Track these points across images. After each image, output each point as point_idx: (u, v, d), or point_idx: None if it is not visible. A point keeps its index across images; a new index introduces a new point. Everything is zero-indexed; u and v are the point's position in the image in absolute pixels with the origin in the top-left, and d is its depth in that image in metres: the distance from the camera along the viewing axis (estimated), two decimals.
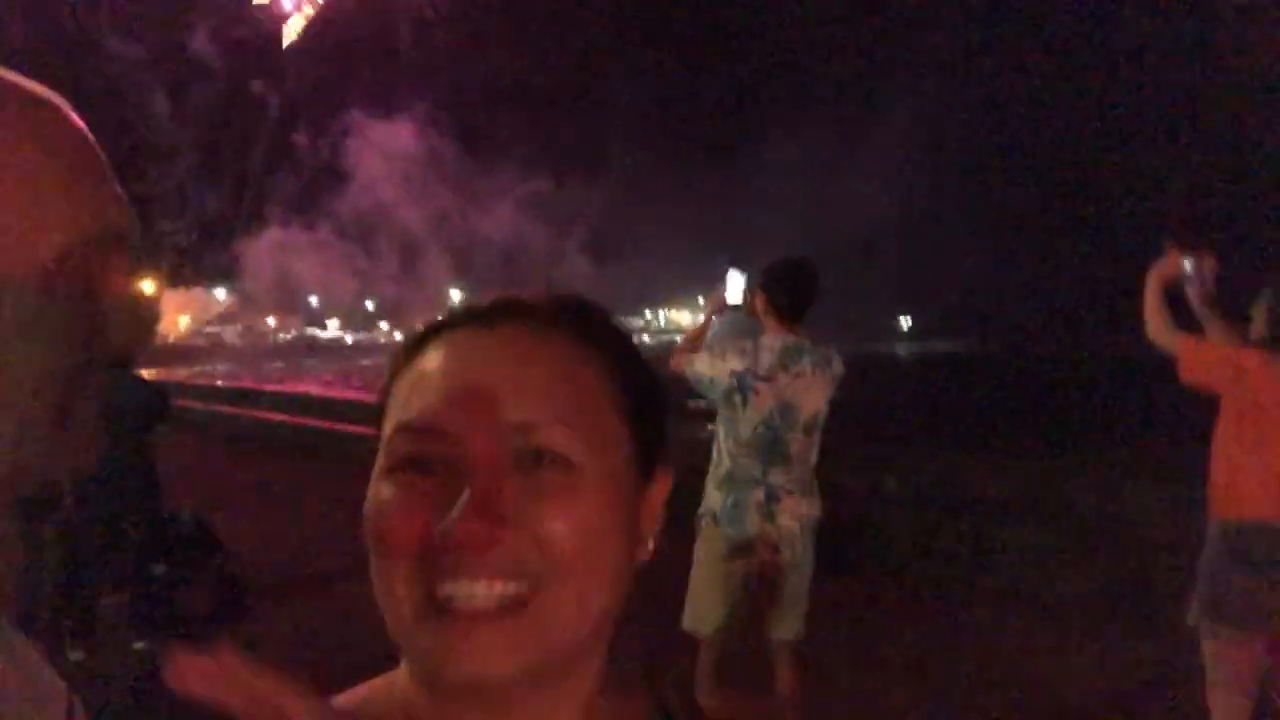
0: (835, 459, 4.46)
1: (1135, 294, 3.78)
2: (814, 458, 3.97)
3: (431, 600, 0.70)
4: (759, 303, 4.01)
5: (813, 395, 3.89)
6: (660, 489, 0.84)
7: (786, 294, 3.93)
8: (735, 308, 4.43)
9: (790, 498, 3.86)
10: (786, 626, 3.92)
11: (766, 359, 3.86)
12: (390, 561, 0.72)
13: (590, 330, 0.81)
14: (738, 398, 3.86)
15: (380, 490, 0.75)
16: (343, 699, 0.81)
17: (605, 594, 0.74)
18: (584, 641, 0.75)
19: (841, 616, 5.59)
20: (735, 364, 3.88)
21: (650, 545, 0.81)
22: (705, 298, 4.89)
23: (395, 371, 0.82)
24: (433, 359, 0.78)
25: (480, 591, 0.69)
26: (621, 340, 0.84)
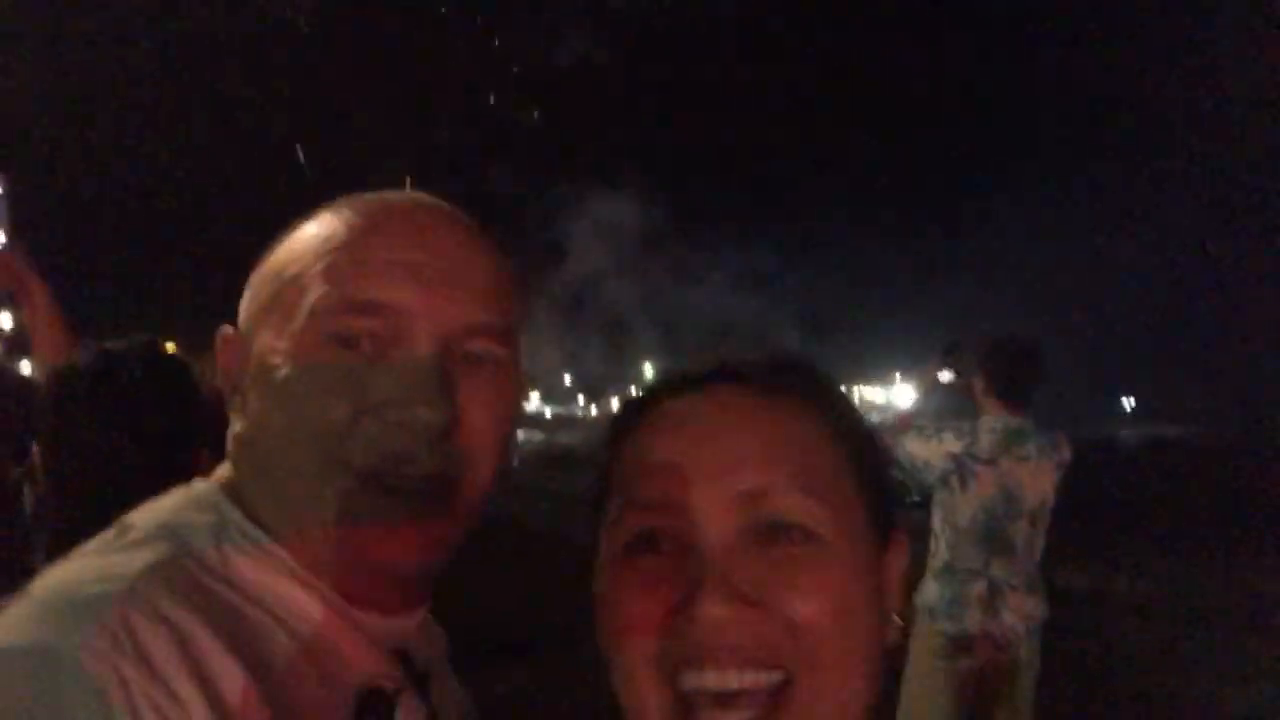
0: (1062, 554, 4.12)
1: None
2: (1039, 550, 3.68)
3: (679, 696, 0.65)
4: (978, 382, 3.80)
5: (1039, 482, 3.62)
6: (898, 557, 0.77)
7: (1010, 373, 3.71)
8: (948, 386, 4.24)
9: (1015, 594, 3.58)
10: None
11: (987, 441, 3.64)
12: (631, 654, 0.68)
13: (813, 392, 0.76)
14: (955, 480, 3.66)
15: (612, 575, 0.71)
16: None
17: (865, 679, 0.68)
18: None
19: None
20: (952, 445, 3.68)
21: (898, 622, 0.75)
22: (912, 375, 4.71)
23: (612, 447, 0.78)
24: (651, 430, 0.75)
25: (731, 683, 0.64)
26: (842, 399, 0.78)
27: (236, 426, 0.93)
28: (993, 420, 3.70)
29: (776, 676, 0.65)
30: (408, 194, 0.97)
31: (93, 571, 0.78)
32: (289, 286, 0.88)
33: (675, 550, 0.68)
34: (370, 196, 0.94)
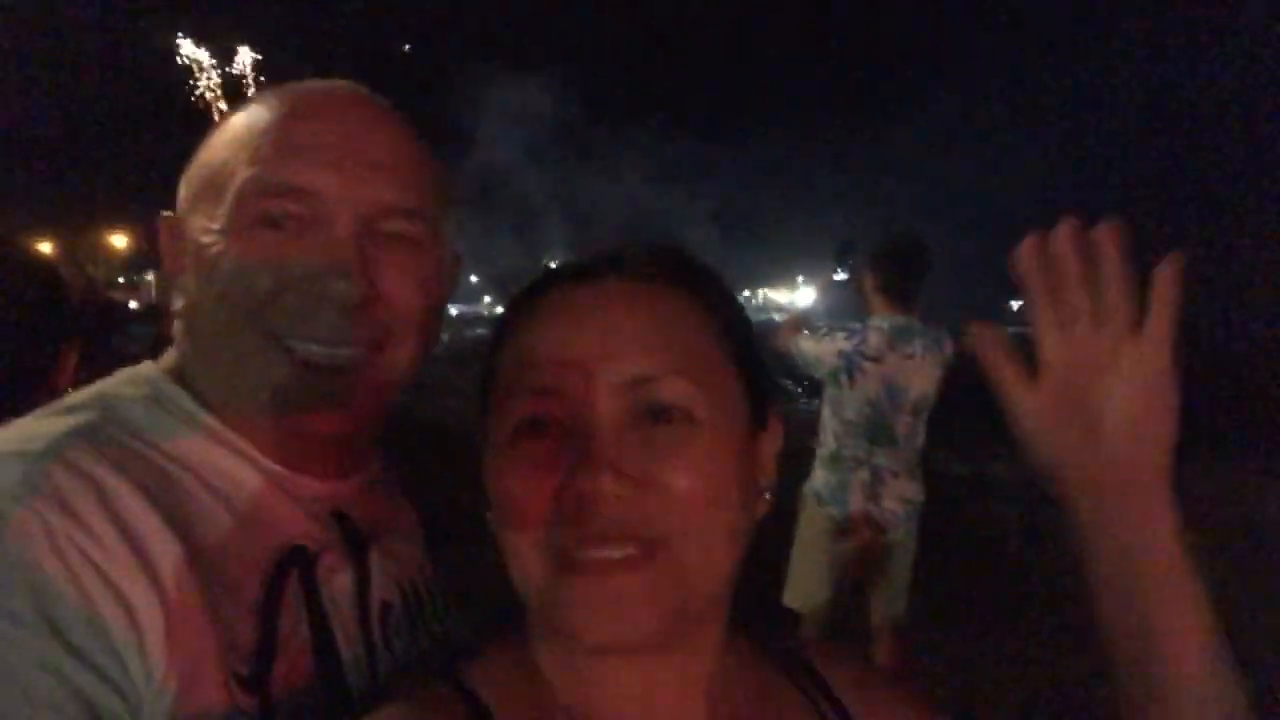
0: (938, 444, 4.39)
1: None
2: (921, 441, 3.93)
3: (563, 565, 0.70)
4: (868, 281, 3.96)
5: (922, 377, 3.84)
6: (773, 439, 0.82)
7: (897, 273, 3.88)
8: (841, 285, 4.40)
9: (896, 480, 3.84)
10: (888, 607, 3.91)
11: (875, 339, 3.83)
12: (520, 530, 0.72)
13: (694, 282, 0.80)
14: (844, 378, 3.85)
15: (501, 458, 0.75)
16: (470, 667, 0.80)
17: (732, 547, 0.74)
18: (714, 595, 0.75)
19: (941, 600, 5.52)
20: (843, 344, 3.86)
21: (768, 497, 0.81)
22: (814, 278, 4.86)
23: (500, 338, 0.81)
24: (540, 320, 0.77)
25: (614, 553, 0.69)
26: (723, 290, 0.82)
27: (177, 305, 0.97)
28: (880, 319, 3.87)
29: (649, 546, 0.69)
30: (330, 82, 1.01)
31: (19, 432, 0.83)
32: (218, 172, 0.93)
33: (561, 434, 0.72)
34: (294, 85, 0.99)
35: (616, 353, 0.72)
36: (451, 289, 1.06)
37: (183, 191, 0.98)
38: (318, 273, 0.89)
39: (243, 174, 0.91)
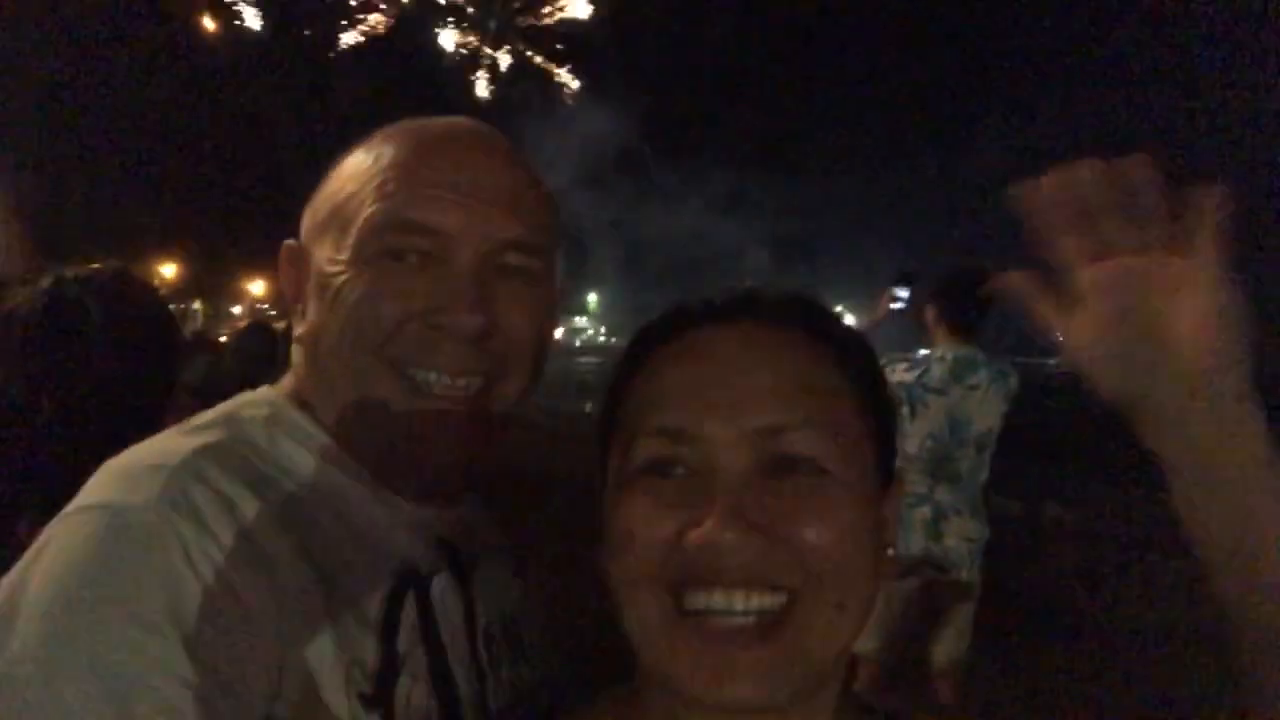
0: (997, 480, 4.27)
1: None
2: (984, 477, 3.81)
3: (682, 613, 0.67)
4: (930, 312, 3.87)
5: (986, 411, 3.72)
6: (896, 496, 0.79)
7: (961, 304, 3.78)
8: (897, 314, 4.30)
9: (958, 517, 3.71)
10: (951, 648, 3.76)
11: (938, 370, 3.72)
12: (636, 570, 0.69)
13: (828, 330, 0.78)
14: (905, 410, 3.74)
15: (622, 497, 0.72)
16: (579, 712, 0.77)
17: (860, 608, 0.70)
18: (839, 658, 0.71)
19: (1004, 643, 5.33)
20: (903, 375, 3.76)
21: (890, 554, 0.77)
22: (862, 303, 4.77)
23: (627, 375, 0.79)
24: (670, 359, 0.75)
25: (737, 604, 0.66)
26: (858, 341, 0.80)
27: (298, 331, 1.01)
28: (943, 349, 3.77)
29: (779, 599, 0.67)
30: (451, 119, 1.05)
31: (157, 446, 0.87)
32: (344, 205, 0.97)
33: (688, 477, 0.70)
34: (418, 122, 1.04)
35: (748, 400, 0.70)
36: (559, 319, 1.09)
37: (307, 221, 1.03)
38: (440, 305, 0.92)
39: (369, 208, 0.94)
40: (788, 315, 0.77)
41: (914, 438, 3.73)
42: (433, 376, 0.93)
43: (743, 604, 0.66)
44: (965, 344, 3.77)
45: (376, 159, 0.98)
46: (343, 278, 0.94)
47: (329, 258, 0.97)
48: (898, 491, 0.80)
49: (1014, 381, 3.80)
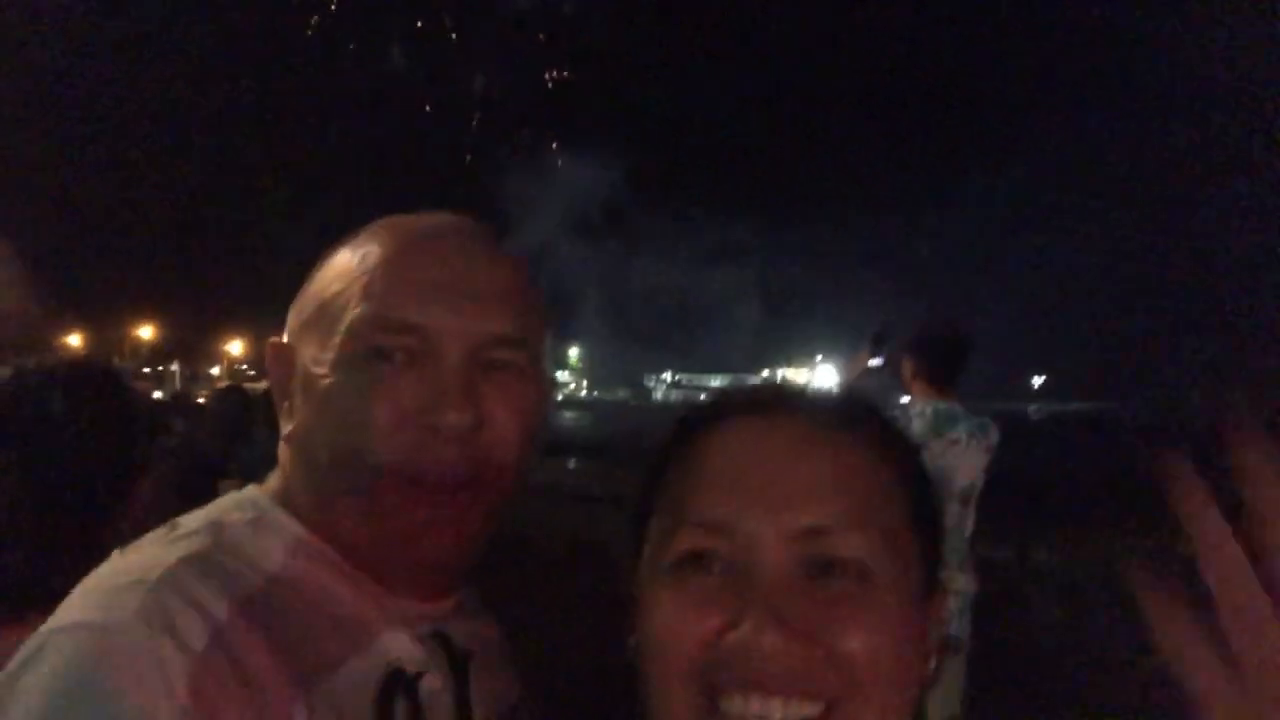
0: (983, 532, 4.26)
1: None
2: (969, 529, 3.80)
3: (716, 717, 0.65)
4: (908, 367, 3.90)
5: (968, 464, 3.73)
6: (940, 605, 0.77)
7: (940, 358, 3.81)
8: (876, 370, 4.33)
9: (946, 571, 3.69)
10: (942, 707, 3.71)
11: (918, 424, 3.73)
12: (671, 669, 0.67)
13: (878, 433, 0.76)
14: None
15: (659, 589, 0.70)
16: None
17: (902, 715, 0.68)
18: None
19: (997, 701, 5.27)
20: None
21: (933, 665, 0.75)
22: (835, 357, 4.80)
23: (668, 460, 0.77)
24: (715, 450, 0.73)
25: (774, 712, 0.64)
26: (905, 443, 0.78)
27: (286, 430, 1.01)
28: (922, 404, 3.79)
29: (818, 708, 0.65)
30: (436, 217, 1.06)
31: (138, 561, 0.87)
32: (330, 304, 0.97)
33: (727, 574, 0.68)
34: (401, 219, 1.04)
35: (793, 499, 0.68)
36: (548, 412, 1.08)
37: (292, 320, 1.03)
38: (429, 404, 0.92)
39: (355, 308, 0.94)
40: (839, 415, 0.75)
41: None
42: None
43: (780, 711, 0.64)
44: (944, 398, 3.79)
45: (363, 258, 0.98)
46: (330, 379, 0.94)
47: (315, 357, 0.96)
48: (943, 600, 0.78)
49: (994, 434, 3.82)
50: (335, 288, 0.98)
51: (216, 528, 0.92)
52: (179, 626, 0.79)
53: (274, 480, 1.02)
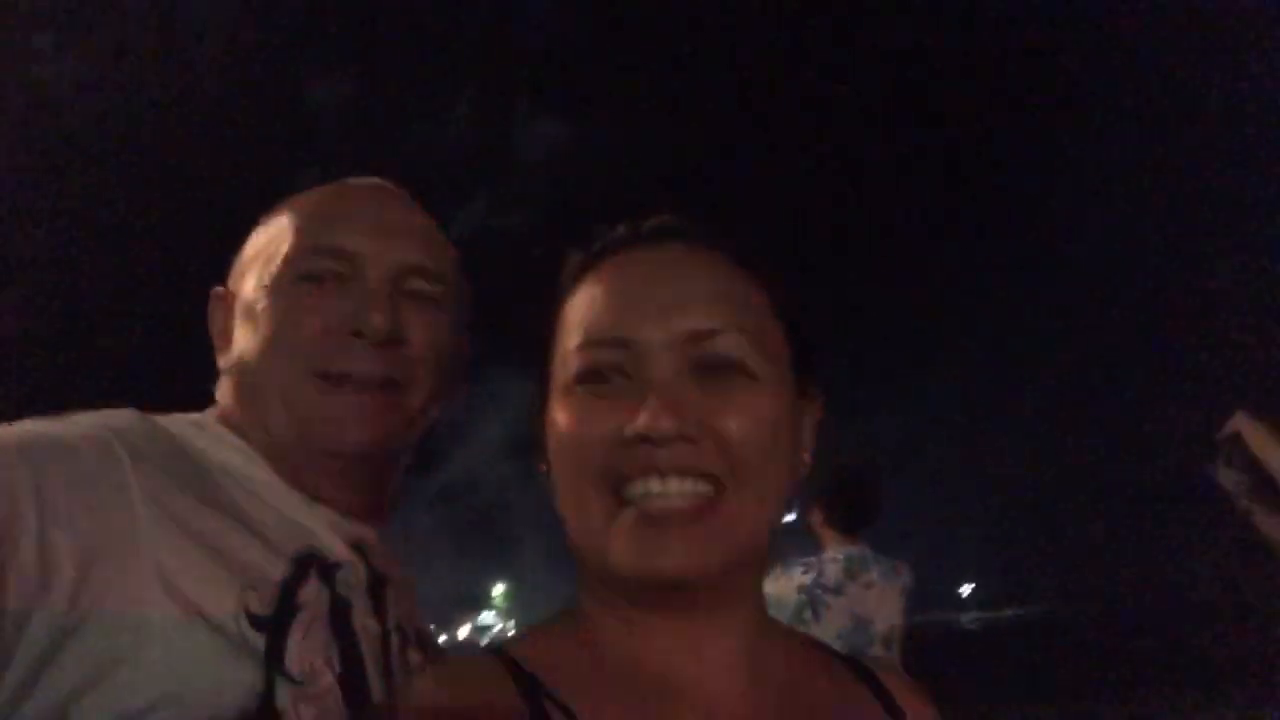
0: None
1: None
2: None
3: (622, 503, 0.72)
4: (817, 514, 3.93)
5: (886, 607, 3.70)
6: (814, 410, 0.86)
7: (847, 505, 3.86)
8: (790, 524, 4.34)
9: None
10: None
11: (832, 570, 3.72)
12: (581, 470, 0.74)
13: (749, 252, 0.84)
14: (808, 614, 3.68)
15: (562, 403, 0.77)
16: (516, 645, 0.77)
17: (779, 502, 0.77)
18: (761, 545, 0.78)
19: None
20: (801, 578, 3.74)
21: (807, 459, 0.84)
22: None
23: (560, 297, 0.84)
24: (605, 279, 0.81)
25: (671, 488, 0.71)
26: (774, 265, 0.86)
27: (222, 366, 1.10)
28: (834, 550, 3.80)
29: (707, 488, 0.72)
30: (363, 178, 1.19)
31: (80, 418, 0.92)
32: (266, 245, 1.08)
33: (625, 383, 0.75)
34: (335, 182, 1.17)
35: (677, 307, 0.76)
36: (461, 376, 1.18)
37: (234, 268, 1.14)
38: (352, 312, 1.02)
39: (289, 240, 1.06)
40: (708, 237, 0.83)
41: (824, 639, 3.64)
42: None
43: (677, 488, 0.71)
44: (855, 542, 3.81)
45: (299, 205, 1.11)
46: (265, 302, 1.04)
47: (254, 288, 1.07)
48: (814, 405, 0.86)
49: (907, 575, 3.82)
50: (271, 232, 1.09)
51: (144, 418, 0.97)
52: (117, 448, 0.87)
53: (210, 411, 1.10)
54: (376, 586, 1.05)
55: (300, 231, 1.06)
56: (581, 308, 0.81)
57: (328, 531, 1.02)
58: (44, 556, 0.77)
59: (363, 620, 1.00)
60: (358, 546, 1.05)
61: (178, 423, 1.01)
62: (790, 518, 4.29)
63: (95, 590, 0.79)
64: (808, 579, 3.73)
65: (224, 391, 1.10)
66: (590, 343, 0.77)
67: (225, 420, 1.06)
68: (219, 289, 1.15)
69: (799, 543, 4.29)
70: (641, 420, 0.71)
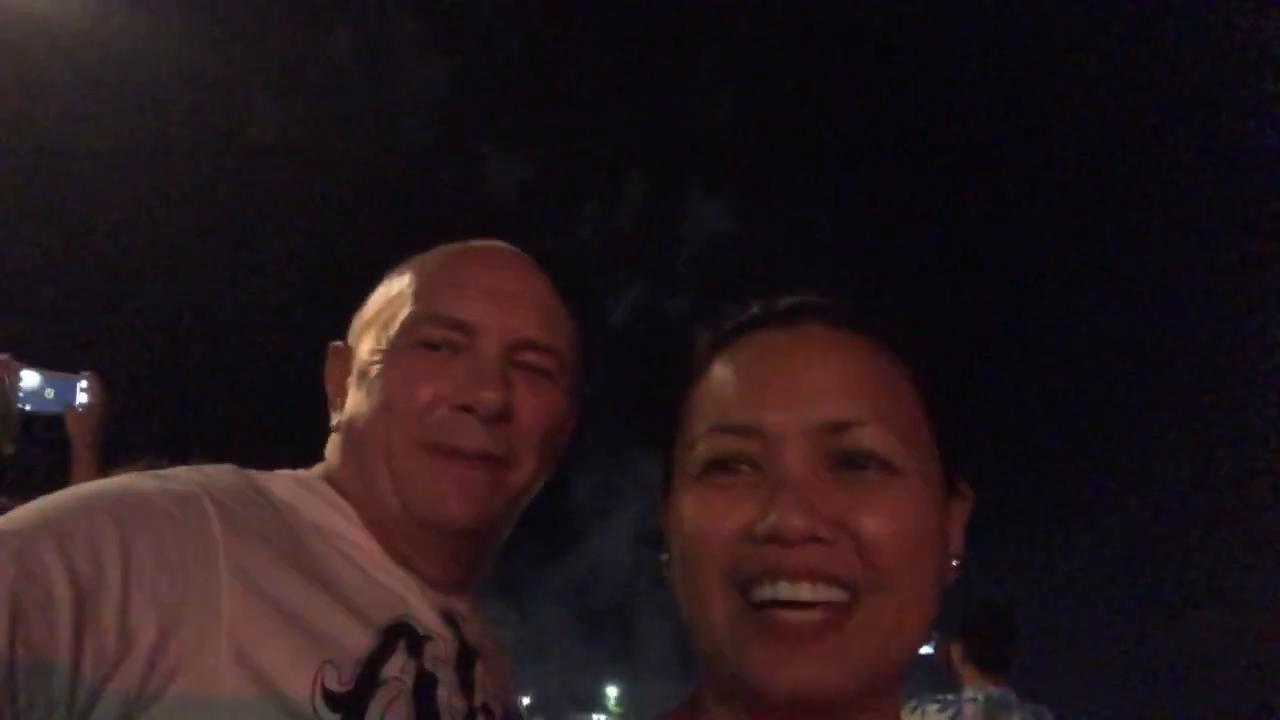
0: None
1: None
2: None
3: (749, 608, 0.67)
4: (956, 651, 3.77)
5: None
6: (963, 508, 0.78)
7: (989, 643, 3.70)
8: (923, 658, 4.18)
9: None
10: None
11: (970, 711, 3.55)
12: (705, 567, 0.69)
13: (893, 334, 0.78)
14: None
15: (689, 494, 0.72)
16: None
17: (925, 607, 0.70)
18: (904, 659, 0.70)
19: None
20: (935, 717, 3.59)
21: (955, 564, 0.76)
22: None
23: (690, 379, 0.80)
24: (737, 361, 0.76)
25: (803, 594, 0.65)
26: (924, 349, 0.80)
27: (335, 422, 1.10)
28: (973, 690, 3.63)
29: (844, 594, 0.66)
30: (487, 240, 1.19)
31: (177, 473, 0.94)
32: (387, 306, 1.09)
33: (757, 475, 0.70)
34: (456, 244, 1.17)
35: (815, 396, 0.71)
36: (569, 434, 1.17)
37: (354, 325, 1.14)
38: (464, 386, 1.01)
39: (408, 307, 1.06)
40: (849, 318, 0.77)
41: None
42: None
43: (809, 594, 0.65)
44: (996, 684, 3.63)
45: (420, 268, 1.11)
46: (381, 366, 1.04)
47: (371, 349, 1.07)
48: (964, 501, 0.78)
49: None
50: (393, 292, 1.09)
51: (242, 473, 0.99)
52: (208, 508, 0.88)
53: (318, 468, 1.10)
54: (466, 661, 1.03)
55: (419, 297, 1.06)
56: (710, 391, 0.75)
57: (420, 600, 1.01)
58: (124, 623, 0.77)
59: (449, 698, 0.98)
60: (449, 617, 1.04)
61: (279, 479, 1.02)
62: (927, 650, 4.15)
63: (171, 662, 0.79)
64: (944, 717, 3.58)
65: (333, 449, 1.10)
66: (718, 429, 0.72)
67: (330, 478, 1.06)
68: (338, 344, 1.15)
69: (933, 678, 4.13)
70: (771, 518, 0.65)
